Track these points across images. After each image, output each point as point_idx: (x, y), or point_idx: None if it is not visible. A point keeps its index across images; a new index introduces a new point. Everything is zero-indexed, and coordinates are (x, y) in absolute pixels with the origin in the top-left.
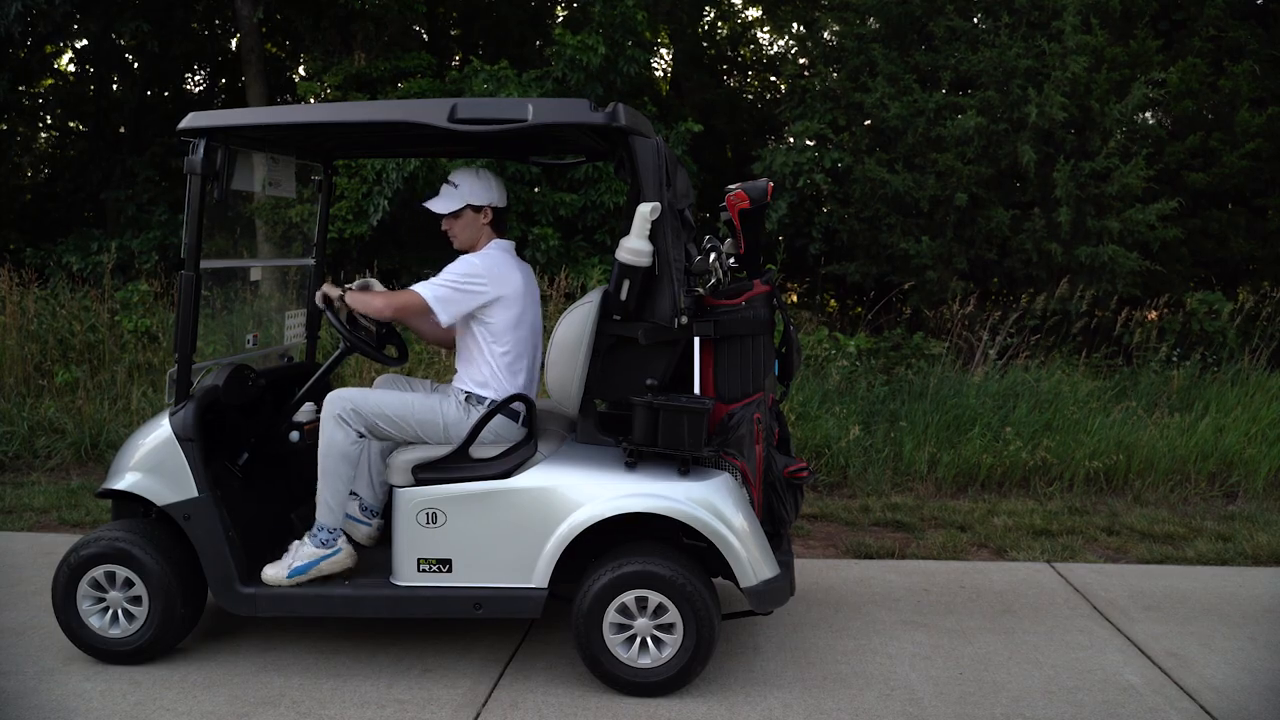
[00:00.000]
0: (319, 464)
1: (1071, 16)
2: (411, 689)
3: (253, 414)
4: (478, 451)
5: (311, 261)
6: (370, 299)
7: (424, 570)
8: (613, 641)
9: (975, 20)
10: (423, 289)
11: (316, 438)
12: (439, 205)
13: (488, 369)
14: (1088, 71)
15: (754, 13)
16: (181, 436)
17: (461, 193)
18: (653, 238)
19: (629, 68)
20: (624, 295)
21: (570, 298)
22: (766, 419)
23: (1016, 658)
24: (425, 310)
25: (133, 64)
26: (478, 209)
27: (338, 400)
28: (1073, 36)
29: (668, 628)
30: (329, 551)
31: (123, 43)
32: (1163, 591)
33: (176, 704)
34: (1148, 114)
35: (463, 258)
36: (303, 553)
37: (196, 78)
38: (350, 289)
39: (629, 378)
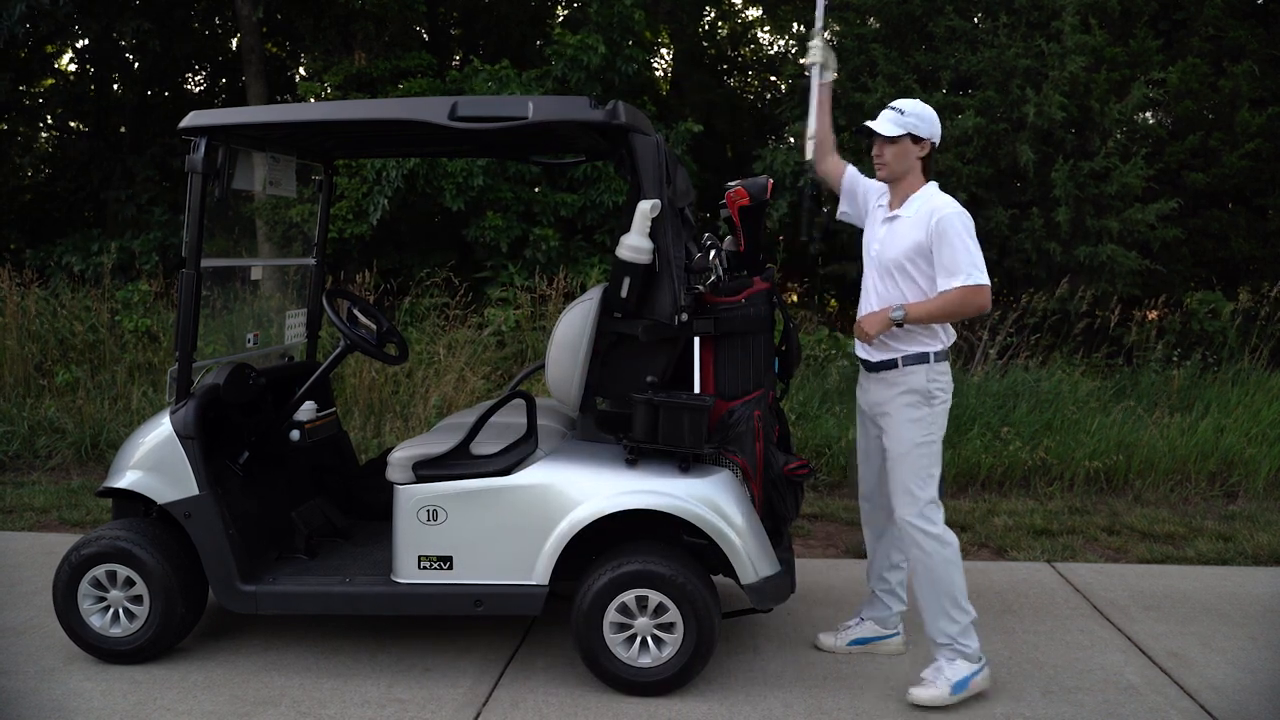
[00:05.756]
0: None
1: (1071, 16)
2: (412, 688)
3: (253, 413)
4: (481, 448)
5: (312, 261)
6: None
7: (424, 568)
8: (613, 641)
9: (975, 20)
10: (971, 278)
11: (316, 437)
12: (880, 126)
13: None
14: (1087, 71)
15: (754, 13)
16: (182, 435)
17: (907, 120)
18: (653, 235)
19: (628, 67)
20: (624, 292)
21: (570, 297)
22: (767, 416)
23: (1016, 658)
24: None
25: (133, 64)
26: (918, 140)
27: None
28: (1072, 36)
29: (668, 627)
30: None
31: (123, 43)
32: (1163, 591)
33: (176, 704)
34: (1148, 114)
35: (948, 218)
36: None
37: (197, 78)
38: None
39: (629, 375)
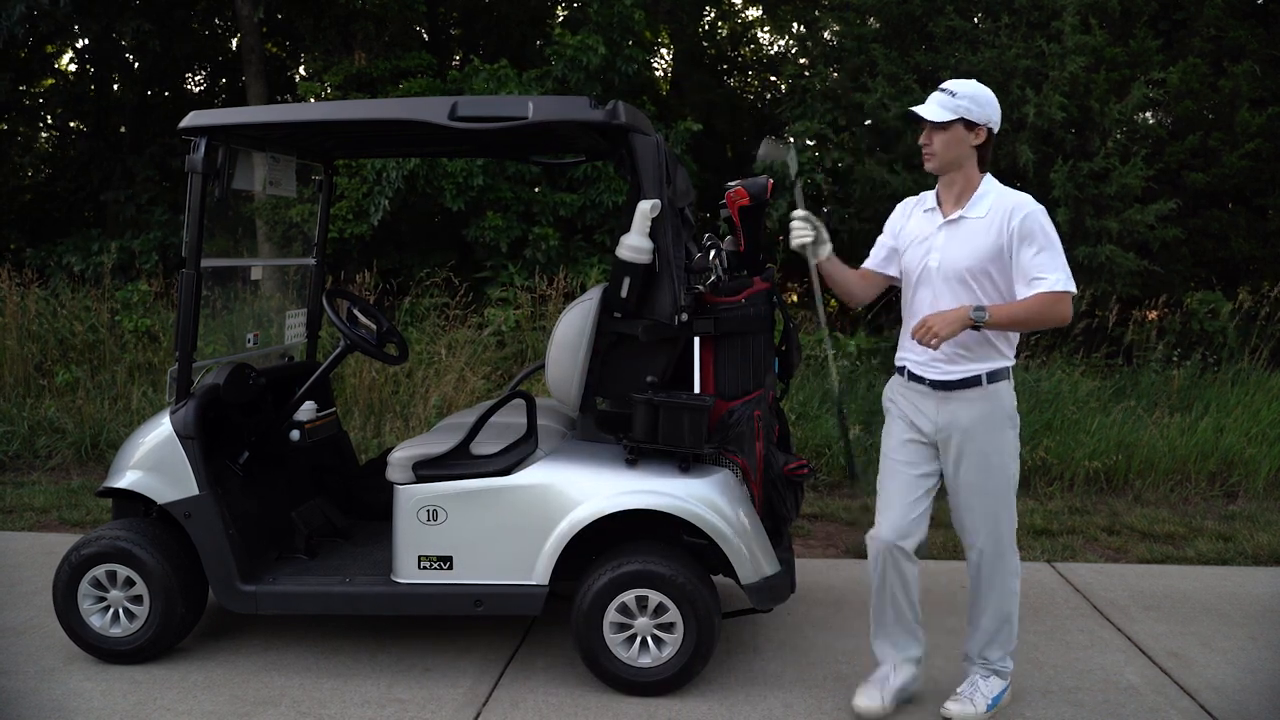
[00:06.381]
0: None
1: (1071, 17)
2: (412, 688)
3: (253, 413)
4: (481, 448)
5: (312, 261)
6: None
7: (424, 568)
8: (613, 641)
9: (975, 20)
10: (1059, 283)
11: (316, 437)
12: (928, 111)
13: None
14: (1087, 71)
15: (754, 13)
16: (182, 435)
17: (958, 103)
18: (653, 235)
19: (628, 67)
20: (624, 292)
21: (570, 297)
22: (766, 416)
23: (1017, 657)
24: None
25: (133, 64)
26: (971, 127)
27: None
28: (1072, 37)
29: (668, 627)
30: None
31: (124, 43)
32: (1163, 591)
33: (176, 704)
34: (1148, 114)
35: (1033, 215)
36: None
37: (197, 78)
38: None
39: (629, 375)
